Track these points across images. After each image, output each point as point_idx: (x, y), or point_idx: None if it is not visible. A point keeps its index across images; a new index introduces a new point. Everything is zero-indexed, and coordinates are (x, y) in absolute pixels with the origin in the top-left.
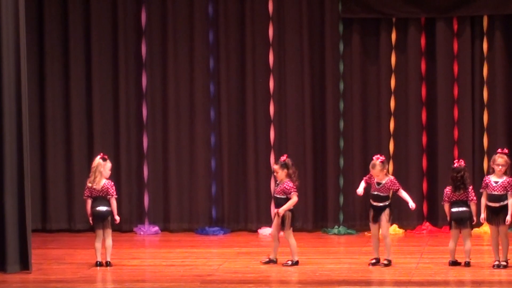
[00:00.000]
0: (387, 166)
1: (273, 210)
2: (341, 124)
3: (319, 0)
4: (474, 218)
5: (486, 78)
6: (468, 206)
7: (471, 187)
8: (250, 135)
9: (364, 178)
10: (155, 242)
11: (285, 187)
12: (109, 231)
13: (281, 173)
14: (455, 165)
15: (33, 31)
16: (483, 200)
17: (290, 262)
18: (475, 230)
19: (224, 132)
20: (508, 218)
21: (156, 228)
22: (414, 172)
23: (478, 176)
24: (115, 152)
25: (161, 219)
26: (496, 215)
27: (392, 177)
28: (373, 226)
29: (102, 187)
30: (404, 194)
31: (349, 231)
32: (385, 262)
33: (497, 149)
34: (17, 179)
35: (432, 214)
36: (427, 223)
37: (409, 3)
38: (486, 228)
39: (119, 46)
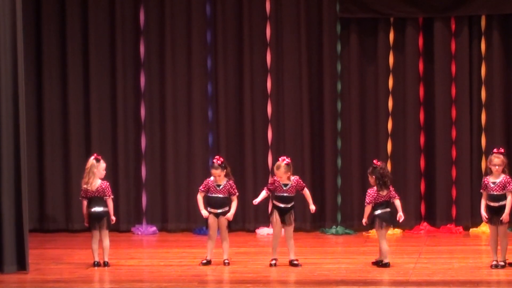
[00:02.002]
0: (291, 169)
1: (203, 210)
2: (339, 124)
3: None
4: (402, 214)
5: (484, 78)
6: (390, 206)
7: (391, 187)
8: (248, 135)
9: (266, 187)
10: (152, 242)
11: (231, 186)
12: (106, 232)
13: (222, 175)
14: (377, 164)
15: (30, 31)
16: (483, 201)
17: (227, 261)
18: (473, 230)
19: (222, 132)
20: (504, 216)
21: (154, 228)
22: (412, 172)
23: (475, 176)
24: (113, 152)
25: (159, 219)
26: (496, 214)
27: (296, 177)
28: (279, 227)
29: (98, 188)
30: (307, 194)
31: (347, 231)
32: (296, 262)
33: (493, 149)
34: (14, 179)
35: (430, 214)
36: (425, 223)
37: (407, 3)
38: (484, 228)
39: (117, 45)
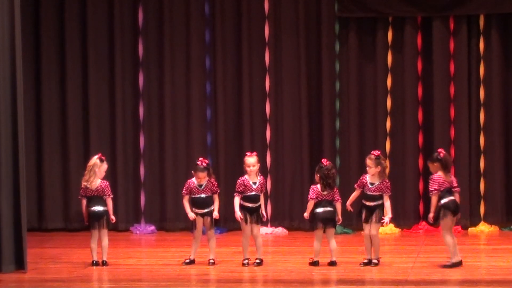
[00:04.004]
0: (259, 164)
1: (190, 213)
2: (337, 124)
3: None
4: (340, 217)
5: (483, 77)
6: (332, 206)
7: (336, 189)
8: (246, 135)
9: (236, 192)
10: (151, 242)
11: (213, 184)
12: (105, 231)
13: (204, 176)
14: (324, 164)
15: (29, 30)
16: (354, 195)
17: (213, 261)
18: (472, 229)
19: (220, 131)
20: (386, 219)
21: (152, 227)
22: (411, 171)
23: (474, 176)
24: (111, 151)
25: (157, 218)
26: (370, 213)
27: (261, 177)
28: (247, 227)
29: (98, 187)
30: (262, 200)
31: (345, 230)
32: (257, 261)
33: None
34: (13, 179)
35: (428, 214)
36: (424, 222)
37: (405, 2)
38: (482, 227)
39: (115, 45)
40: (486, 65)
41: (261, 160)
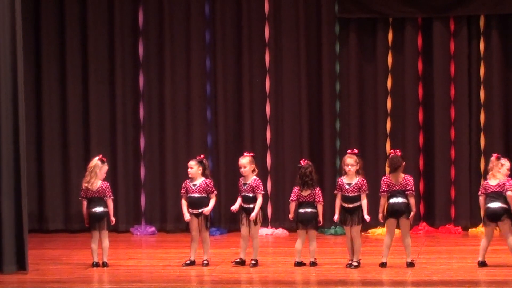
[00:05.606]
0: (254, 164)
1: (186, 214)
2: (338, 124)
3: (315, 0)
4: (320, 219)
5: (483, 78)
6: (313, 207)
7: (318, 189)
8: (247, 135)
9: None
10: (151, 243)
11: (207, 184)
12: (105, 233)
13: (196, 170)
14: (302, 164)
15: (29, 32)
16: (338, 202)
17: (206, 262)
18: (472, 230)
19: (221, 132)
20: (366, 217)
21: (153, 228)
22: (411, 172)
23: (474, 177)
24: (112, 152)
25: (158, 219)
26: (349, 215)
27: (256, 178)
28: (243, 228)
29: (98, 188)
30: (259, 201)
31: None
32: (253, 262)
33: (348, 150)
34: (14, 180)
35: (428, 215)
36: (424, 223)
37: (405, 3)
38: (483, 228)
39: (116, 46)
40: (486, 66)
41: (262, 161)
